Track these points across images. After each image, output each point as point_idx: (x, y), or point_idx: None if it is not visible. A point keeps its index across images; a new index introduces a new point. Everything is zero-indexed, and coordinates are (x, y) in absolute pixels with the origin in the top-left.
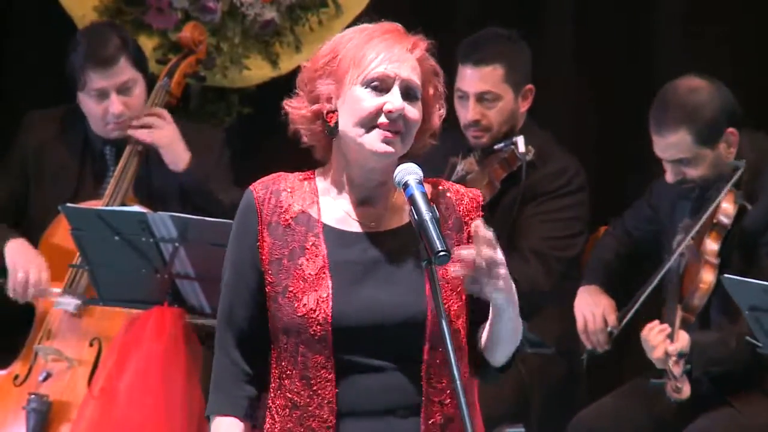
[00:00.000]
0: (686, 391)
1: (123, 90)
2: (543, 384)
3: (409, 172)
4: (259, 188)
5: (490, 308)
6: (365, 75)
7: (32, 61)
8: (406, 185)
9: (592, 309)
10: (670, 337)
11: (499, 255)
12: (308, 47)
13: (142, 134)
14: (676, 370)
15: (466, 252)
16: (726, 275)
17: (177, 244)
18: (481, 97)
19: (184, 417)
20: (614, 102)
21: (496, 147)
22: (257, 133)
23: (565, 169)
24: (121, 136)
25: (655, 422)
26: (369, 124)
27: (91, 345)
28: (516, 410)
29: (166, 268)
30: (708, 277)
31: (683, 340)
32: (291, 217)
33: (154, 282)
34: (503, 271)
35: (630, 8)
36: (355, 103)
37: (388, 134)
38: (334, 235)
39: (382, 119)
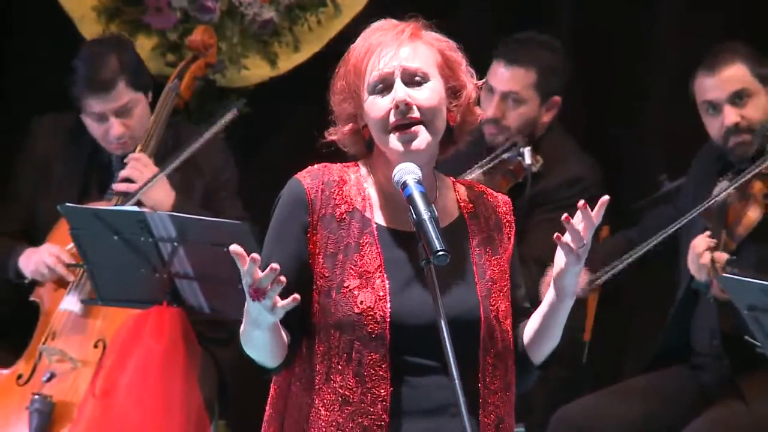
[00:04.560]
0: None
1: (122, 113)
2: (544, 384)
3: (408, 172)
4: (308, 179)
5: (553, 297)
6: (368, 83)
7: (33, 62)
8: (404, 185)
9: None
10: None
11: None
12: (307, 47)
13: (120, 187)
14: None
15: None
16: (724, 275)
17: (176, 244)
18: (506, 96)
19: (182, 417)
20: (611, 101)
21: (503, 156)
22: (256, 133)
23: (578, 179)
24: (127, 152)
25: (645, 419)
26: (386, 127)
27: (95, 346)
28: (517, 410)
29: (165, 268)
30: (755, 211)
31: (725, 256)
32: (345, 212)
33: (153, 282)
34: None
35: (628, 6)
36: (370, 112)
37: (402, 133)
38: (387, 234)
39: (393, 117)
